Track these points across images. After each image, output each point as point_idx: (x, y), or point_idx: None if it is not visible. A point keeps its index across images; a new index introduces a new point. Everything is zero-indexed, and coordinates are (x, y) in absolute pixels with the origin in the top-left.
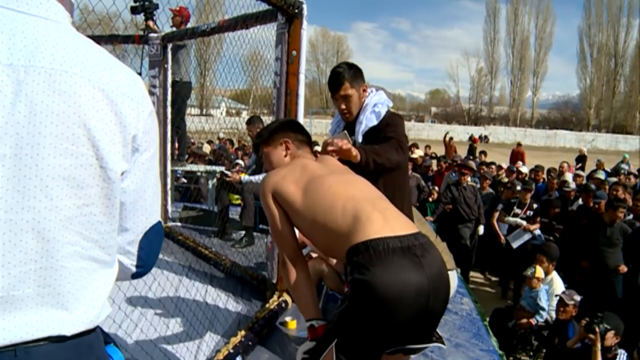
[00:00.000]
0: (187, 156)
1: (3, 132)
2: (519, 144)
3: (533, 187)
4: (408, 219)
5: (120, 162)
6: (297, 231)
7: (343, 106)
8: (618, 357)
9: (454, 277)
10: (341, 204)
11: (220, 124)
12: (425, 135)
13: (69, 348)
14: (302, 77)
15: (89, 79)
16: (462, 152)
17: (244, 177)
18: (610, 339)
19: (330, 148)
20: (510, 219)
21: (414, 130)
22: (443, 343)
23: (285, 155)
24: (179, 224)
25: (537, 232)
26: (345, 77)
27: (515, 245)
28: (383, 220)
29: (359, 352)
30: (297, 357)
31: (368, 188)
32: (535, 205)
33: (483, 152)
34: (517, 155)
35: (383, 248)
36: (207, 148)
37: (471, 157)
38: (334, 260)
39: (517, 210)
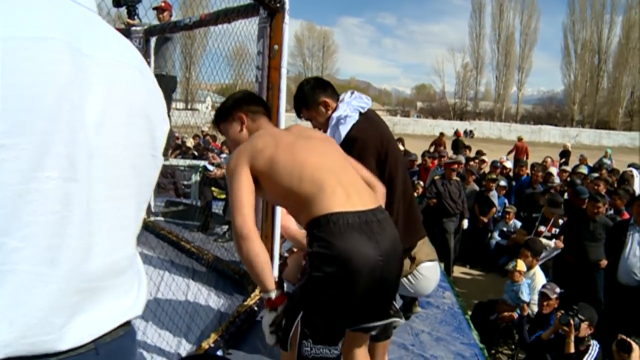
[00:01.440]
0: (170, 150)
1: (99, 125)
2: (520, 139)
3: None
4: (371, 192)
5: (160, 151)
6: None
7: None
8: (591, 348)
9: (436, 268)
10: (309, 173)
11: (206, 118)
12: (410, 130)
13: (130, 336)
14: (284, 71)
15: (139, 69)
16: (448, 147)
17: None
18: (584, 330)
19: None
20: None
21: (399, 125)
22: (401, 317)
23: (240, 130)
24: (161, 218)
25: (519, 224)
26: (300, 105)
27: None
28: (345, 195)
29: (322, 326)
30: (264, 330)
31: (335, 156)
32: (561, 221)
33: (467, 147)
34: (521, 150)
35: (342, 223)
36: (190, 142)
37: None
38: None
39: (542, 228)
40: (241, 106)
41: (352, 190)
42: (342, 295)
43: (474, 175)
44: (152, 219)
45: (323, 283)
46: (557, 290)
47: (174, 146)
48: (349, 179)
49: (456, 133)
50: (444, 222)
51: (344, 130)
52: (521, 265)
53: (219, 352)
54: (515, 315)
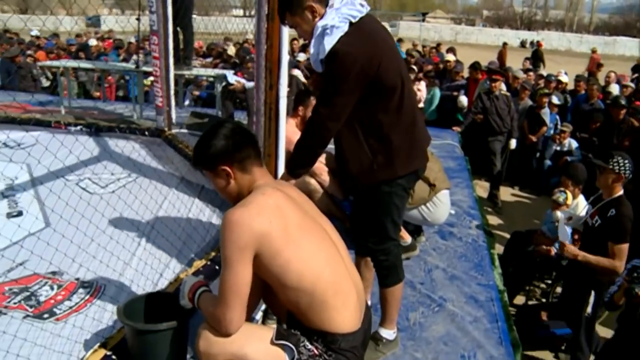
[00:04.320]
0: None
1: None
2: (594, 50)
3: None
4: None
5: None
6: None
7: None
8: None
9: (447, 196)
10: (327, 273)
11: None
12: (474, 39)
13: None
14: None
15: None
16: (514, 58)
17: (248, 83)
18: None
19: None
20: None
21: (462, 34)
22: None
23: (227, 184)
24: (184, 130)
25: (575, 145)
26: (284, 9)
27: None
28: (353, 310)
29: None
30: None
31: (339, 243)
32: None
33: (529, 59)
34: (594, 62)
35: (350, 346)
36: (232, 50)
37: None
38: (327, 179)
39: None
40: (224, 159)
41: (358, 298)
42: None
43: (528, 90)
44: (173, 131)
45: None
46: None
47: (215, 54)
48: (354, 273)
49: (538, 44)
50: (490, 142)
51: (328, 42)
52: (571, 199)
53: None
54: (554, 250)
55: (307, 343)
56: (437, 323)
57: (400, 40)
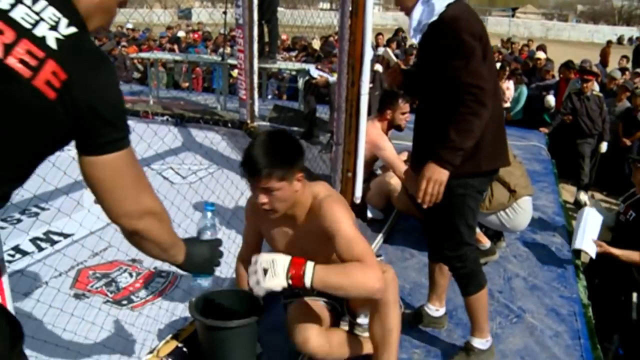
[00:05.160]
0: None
1: None
2: None
3: None
4: None
5: None
6: None
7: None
8: None
9: (528, 203)
10: None
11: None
12: (565, 35)
13: None
14: None
15: None
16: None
17: (332, 77)
18: None
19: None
20: None
21: (553, 30)
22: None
23: (296, 190)
24: (266, 123)
25: None
26: None
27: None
28: None
29: None
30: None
31: None
32: None
33: (625, 57)
34: None
35: None
36: (316, 44)
37: None
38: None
39: None
40: (300, 164)
41: None
42: None
43: (629, 91)
44: (255, 123)
45: None
46: None
47: (300, 48)
48: None
49: (638, 40)
50: (578, 144)
51: (439, 3)
52: None
53: None
54: None
55: None
56: (514, 335)
57: (509, 40)
